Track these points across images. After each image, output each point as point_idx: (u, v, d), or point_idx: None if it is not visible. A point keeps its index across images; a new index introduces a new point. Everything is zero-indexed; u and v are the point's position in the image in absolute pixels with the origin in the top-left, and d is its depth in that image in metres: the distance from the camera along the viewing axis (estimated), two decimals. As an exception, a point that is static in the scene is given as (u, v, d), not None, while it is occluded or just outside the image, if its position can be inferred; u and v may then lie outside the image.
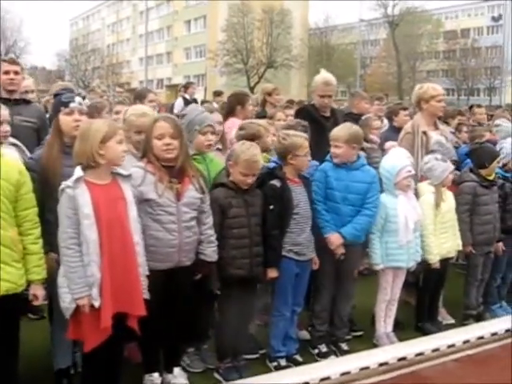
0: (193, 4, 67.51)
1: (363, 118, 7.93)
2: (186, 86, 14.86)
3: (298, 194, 5.04)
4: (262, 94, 8.45)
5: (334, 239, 5.25)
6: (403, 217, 5.43)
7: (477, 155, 6.37)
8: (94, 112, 7.05)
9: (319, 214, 5.25)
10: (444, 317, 6.42)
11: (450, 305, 6.54)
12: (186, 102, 13.77)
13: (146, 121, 4.65)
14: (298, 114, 6.78)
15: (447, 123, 9.28)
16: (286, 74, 54.55)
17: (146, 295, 4.10)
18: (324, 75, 6.66)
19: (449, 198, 6.02)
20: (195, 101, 15.30)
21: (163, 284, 4.32)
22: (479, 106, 9.96)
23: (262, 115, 7.60)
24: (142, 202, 4.21)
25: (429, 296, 6.16)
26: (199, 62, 64.25)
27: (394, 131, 7.69)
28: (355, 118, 8.22)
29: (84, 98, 5.02)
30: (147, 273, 4.15)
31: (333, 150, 5.35)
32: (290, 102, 10.02)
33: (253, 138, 5.26)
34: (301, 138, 5.06)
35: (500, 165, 6.42)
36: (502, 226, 6.40)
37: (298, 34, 60.60)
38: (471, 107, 10.28)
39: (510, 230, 6.51)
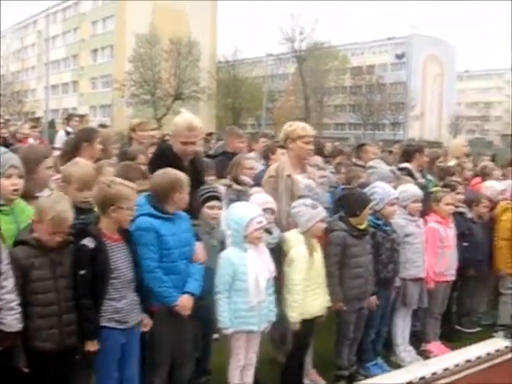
0: (100, 33, 66.58)
1: (236, 157, 7.39)
2: (68, 119, 13.83)
3: (118, 254, 4.29)
4: (128, 130, 7.73)
5: (187, 302, 4.62)
6: (253, 274, 4.80)
7: (347, 202, 5.84)
8: None
9: (159, 282, 4.52)
10: (314, 379, 5.84)
11: (322, 364, 5.97)
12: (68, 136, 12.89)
13: None
14: (156, 155, 5.91)
15: (328, 162, 8.88)
16: (193, 106, 54.00)
17: None
18: (187, 118, 5.50)
19: (318, 250, 5.46)
20: (78, 134, 14.40)
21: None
22: (363, 144, 9.51)
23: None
24: None
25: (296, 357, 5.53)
26: (106, 93, 63.08)
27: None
28: (230, 157, 7.68)
29: None
30: None
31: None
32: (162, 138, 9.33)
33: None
34: (129, 188, 4.34)
35: (372, 211, 5.91)
36: (375, 278, 5.89)
37: (206, 66, 60.44)
38: (360, 145, 9.74)
39: (383, 283, 6.02)
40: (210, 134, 17.20)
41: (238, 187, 6.78)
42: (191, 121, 5.44)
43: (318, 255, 5.44)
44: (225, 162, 7.58)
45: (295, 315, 5.21)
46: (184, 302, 4.60)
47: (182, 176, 4.69)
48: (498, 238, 7.40)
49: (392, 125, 71.02)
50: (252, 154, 8.97)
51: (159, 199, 4.62)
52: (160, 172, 4.75)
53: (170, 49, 55.99)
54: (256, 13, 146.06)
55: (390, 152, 12.92)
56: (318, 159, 8.15)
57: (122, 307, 4.27)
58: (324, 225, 5.43)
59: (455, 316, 7.51)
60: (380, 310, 6.08)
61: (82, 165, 4.71)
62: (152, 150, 7.01)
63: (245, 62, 71.74)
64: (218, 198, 5.24)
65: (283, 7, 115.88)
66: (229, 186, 6.79)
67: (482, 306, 8.01)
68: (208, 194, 5.19)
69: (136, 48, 56.09)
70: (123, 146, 8.13)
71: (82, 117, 22.54)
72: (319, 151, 8.93)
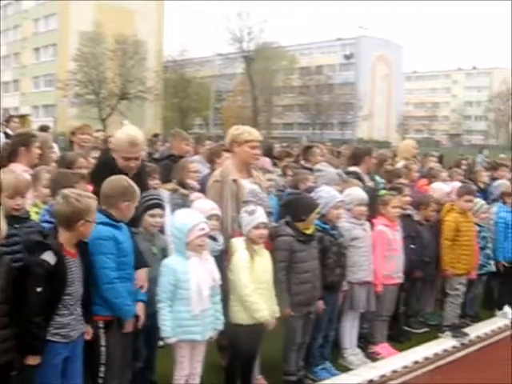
0: (42, 31, 65.04)
1: (180, 161, 7.26)
2: (8, 120, 13.45)
3: (74, 269, 4.13)
4: (69, 133, 7.52)
5: (142, 310, 4.65)
6: (195, 282, 4.68)
7: (293, 207, 5.75)
8: None
9: (119, 295, 4.43)
10: (261, 385, 5.73)
11: (269, 370, 5.85)
12: (8, 138, 12.49)
13: None
14: (98, 167, 5.63)
15: (276, 165, 8.81)
16: (139, 107, 53.34)
17: None
18: (129, 133, 5.29)
19: (265, 257, 5.34)
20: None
21: None
22: (310, 146, 9.40)
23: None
24: None
25: (241, 363, 5.40)
26: (49, 92, 61.69)
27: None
28: (176, 160, 7.54)
29: None
30: None
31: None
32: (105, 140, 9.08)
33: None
34: (94, 200, 4.21)
35: (319, 216, 5.84)
36: (322, 282, 5.81)
37: (152, 65, 59.40)
38: (307, 148, 9.59)
39: (330, 287, 5.96)
40: (156, 136, 16.88)
41: (184, 191, 6.63)
42: (134, 136, 5.26)
43: (263, 261, 5.31)
44: (170, 165, 7.42)
45: (263, 313, 5.13)
46: (140, 312, 4.62)
47: (135, 187, 4.62)
48: (443, 238, 7.45)
49: (340, 124, 71.75)
50: (197, 157, 8.83)
51: (108, 206, 4.52)
52: (112, 178, 4.65)
53: (115, 48, 54.77)
54: (204, 12, 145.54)
55: (338, 153, 12.94)
56: (267, 161, 8.08)
57: (68, 322, 4.13)
58: (260, 231, 5.23)
59: (403, 316, 7.52)
60: (327, 314, 6.03)
61: (11, 171, 4.53)
62: (94, 153, 6.81)
63: (192, 62, 71.28)
64: (160, 206, 5.10)
65: (231, 7, 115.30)
66: (174, 191, 6.64)
67: (429, 306, 8.07)
68: (150, 202, 5.04)
69: (80, 47, 54.83)
70: (64, 150, 7.90)
71: (22, 117, 21.95)
72: (268, 153, 8.87)
